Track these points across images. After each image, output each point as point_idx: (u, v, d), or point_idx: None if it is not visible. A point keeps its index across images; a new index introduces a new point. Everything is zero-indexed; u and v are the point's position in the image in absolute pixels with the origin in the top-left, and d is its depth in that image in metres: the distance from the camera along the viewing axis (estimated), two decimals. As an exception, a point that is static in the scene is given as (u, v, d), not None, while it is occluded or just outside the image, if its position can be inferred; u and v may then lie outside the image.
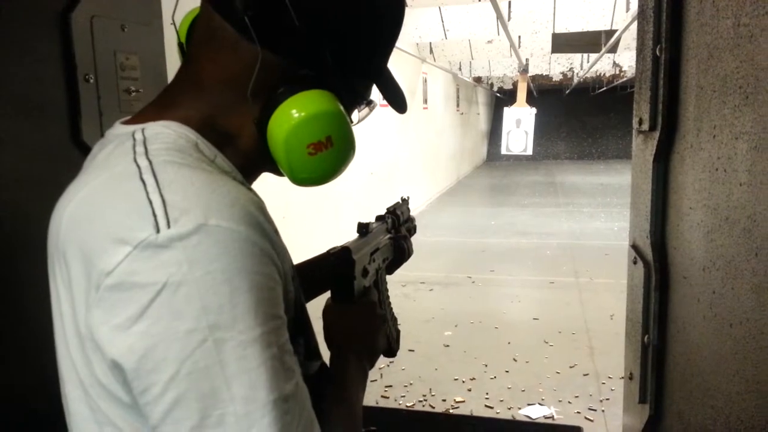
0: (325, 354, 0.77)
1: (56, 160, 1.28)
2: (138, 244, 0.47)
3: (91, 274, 0.49)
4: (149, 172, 0.52)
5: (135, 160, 0.53)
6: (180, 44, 0.70)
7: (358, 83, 0.68)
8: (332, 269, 0.82)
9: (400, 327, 0.98)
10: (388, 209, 1.01)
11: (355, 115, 0.71)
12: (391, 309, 0.96)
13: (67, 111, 1.31)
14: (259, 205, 0.55)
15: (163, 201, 0.49)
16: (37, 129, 1.25)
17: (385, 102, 0.73)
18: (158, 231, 0.47)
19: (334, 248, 1.01)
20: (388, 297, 0.96)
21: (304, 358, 0.66)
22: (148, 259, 0.47)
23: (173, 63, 1.49)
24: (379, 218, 0.99)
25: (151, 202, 0.49)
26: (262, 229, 0.52)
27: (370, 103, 0.72)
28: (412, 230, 1.08)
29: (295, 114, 0.59)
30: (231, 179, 0.57)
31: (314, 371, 0.70)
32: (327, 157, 0.61)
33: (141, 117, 0.61)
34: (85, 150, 1.32)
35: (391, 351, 0.91)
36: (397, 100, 0.72)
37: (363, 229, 0.91)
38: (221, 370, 0.47)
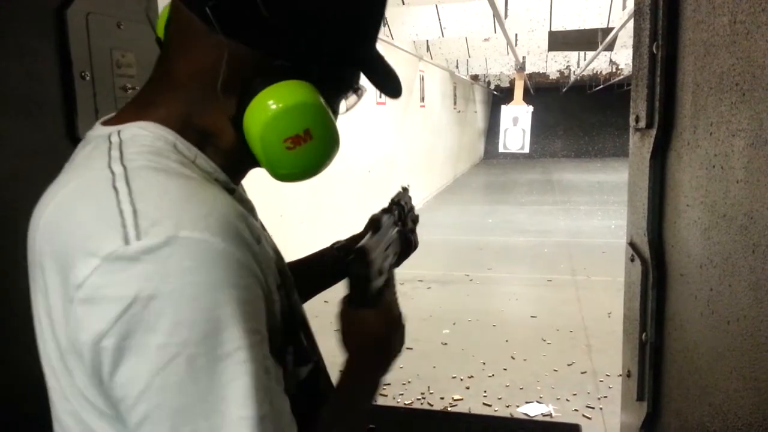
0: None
1: (52, 157, 1.26)
2: (106, 256, 0.46)
3: (67, 286, 0.48)
4: (122, 179, 0.50)
5: (109, 166, 0.51)
6: (158, 40, 0.66)
7: (340, 71, 0.63)
8: (347, 270, 0.75)
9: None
10: (392, 200, 0.96)
11: (343, 105, 0.67)
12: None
13: (63, 108, 1.30)
14: (240, 213, 0.53)
15: (134, 211, 0.47)
16: (32, 126, 1.24)
17: (382, 100, 0.70)
18: (127, 243, 0.46)
19: (338, 242, 0.98)
20: (395, 293, 0.92)
21: (294, 365, 0.64)
22: (116, 272, 0.45)
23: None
24: (385, 211, 0.95)
25: (121, 212, 0.47)
26: (241, 240, 0.50)
27: (357, 90, 0.67)
28: (415, 221, 1.03)
29: (269, 107, 0.55)
30: (211, 185, 0.55)
31: (305, 376, 0.68)
32: (307, 151, 0.57)
33: (119, 117, 0.59)
34: (81, 148, 1.31)
35: None
36: (387, 86, 0.66)
37: (376, 224, 0.84)
38: (193, 385, 0.46)
